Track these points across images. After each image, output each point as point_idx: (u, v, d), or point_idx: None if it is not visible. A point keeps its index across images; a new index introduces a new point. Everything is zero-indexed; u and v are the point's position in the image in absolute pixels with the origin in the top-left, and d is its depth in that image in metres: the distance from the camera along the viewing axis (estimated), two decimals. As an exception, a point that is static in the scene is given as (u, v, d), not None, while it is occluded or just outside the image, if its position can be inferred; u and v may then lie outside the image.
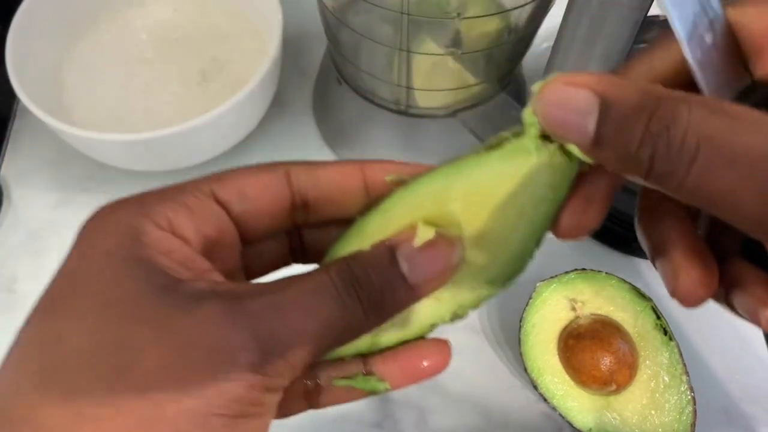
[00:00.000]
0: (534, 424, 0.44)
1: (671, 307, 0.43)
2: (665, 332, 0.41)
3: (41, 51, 0.50)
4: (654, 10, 0.33)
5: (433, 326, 0.23)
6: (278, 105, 0.55)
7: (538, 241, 0.21)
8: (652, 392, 0.41)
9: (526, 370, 0.42)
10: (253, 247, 0.23)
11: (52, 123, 0.44)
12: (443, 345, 0.23)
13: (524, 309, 0.43)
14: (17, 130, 0.55)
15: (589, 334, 0.42)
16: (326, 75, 0.52)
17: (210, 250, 0.21)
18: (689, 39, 0.18)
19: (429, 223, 0.21)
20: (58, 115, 0.44)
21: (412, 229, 0.21)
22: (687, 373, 0.40)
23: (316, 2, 0.44)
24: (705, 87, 0.18)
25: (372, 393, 0.23)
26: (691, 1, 0.17)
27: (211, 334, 0.17)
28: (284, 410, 0.23)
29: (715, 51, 0.18)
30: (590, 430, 0.40)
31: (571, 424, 0.41)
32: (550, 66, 0.34)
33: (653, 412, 0.40)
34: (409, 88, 0.44)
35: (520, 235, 0.21)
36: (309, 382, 0.23)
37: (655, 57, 0.20)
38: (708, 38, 0.18)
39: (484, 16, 0.40)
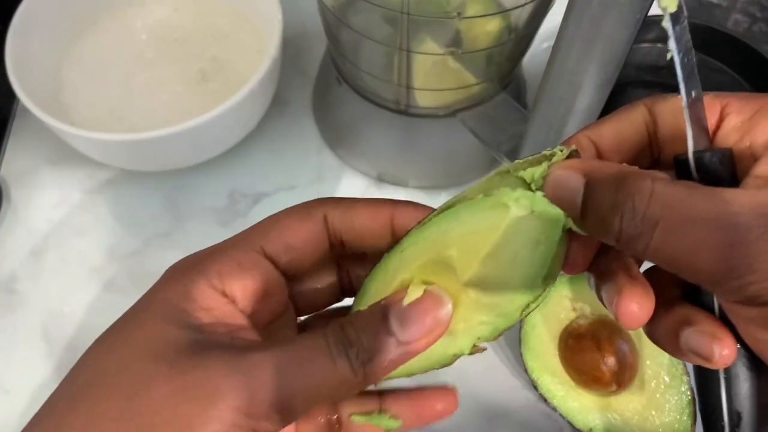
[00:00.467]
0: (534, 424, 0.44)
1: (672, 307, 0.43)
2: (666, 332, 0.41)
3: (41, 51, 0.50)
4: (654, 10, 0.33)
5: (455, 356, 0.24)
6: (278, 105, 0.55)
7: (545, 278, 0.22)
8: (652, 393, 0.41)
9: (526, 370, 0.42)
10: (305, 287, 0.27)
11: (52, 123, 0.44)
12: (450, 393, 0.26)
13: (524, 309, 0.43)
14: (17, 130, 0.55)
15: (589, 334, 0.42)
16: (326, 75, 0.52)
17: (257, 301, 0.24)
18: (686, 83, 0.21)
19: (433, 267, 0.23)
20: (58, 115, 0.44)
21: (405, 289, 0.23)
22: (687, 374, 0.40)
23: (316, 2, 0.44)
24: (689, 125, 0.22)
25: (386, 429, 0.26)
26: (687, 59, 0.21)
27: (209, 377, 0.21)
28: None
29: (694, 107, 0.22)
30: (591, 430, 0.40)
31: (571, 425, 0.41)
32: (550, 66, 0.34)
33: (654, 412, 0.40)
34: (409, 87, 0.44)
35: (521, 274, 0.22)
36: (333, 418, 0.26)
37: (622, 119, 0.24)
38: (693, 93, 0.22)
39: (484, 15, 0.40)
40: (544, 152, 0.23)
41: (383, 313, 0.22)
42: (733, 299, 0.20)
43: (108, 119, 0.51)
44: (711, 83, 0.53)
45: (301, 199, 0.57)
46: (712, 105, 0.23)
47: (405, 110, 0.47)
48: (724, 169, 0.22)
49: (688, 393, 0.40)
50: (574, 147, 0.23)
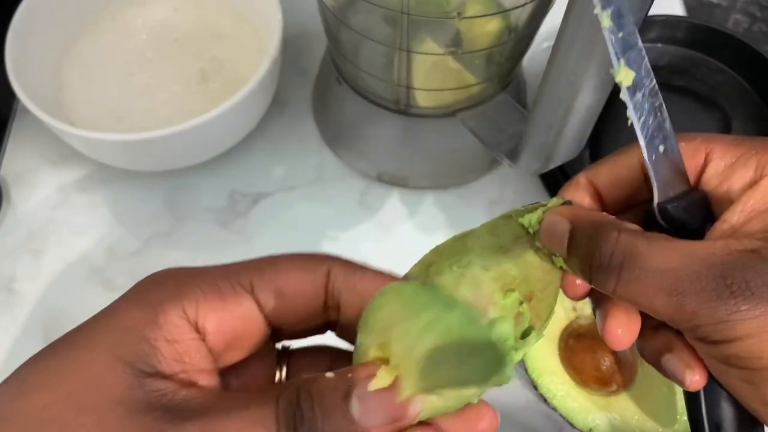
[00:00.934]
0: (534, 424, 0.44)
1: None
2: (666, 332, 0.41)
3: (41, 51, 0.50)
4: (654, 10, 0.33)
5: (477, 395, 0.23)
6: (278, 105, 0.55)
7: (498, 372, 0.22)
8: (652, 393, 0.41)
9: (526, 370, 0.42)
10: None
11: (52, 123, 0.44)
12: None
13: (524, 309, 0.43)
14: (17, 130, 0.55)
15: (589, 334, 0.42)
16: (326, 75, 0.52)
17: (230, 340, 0.23)
18: (647, 143, 0.23)
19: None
20: (58, 115, 0.44)
21: (377, 365, 0.21)
22: (687, 374, 0.40)
23: (316, 2, 0.44)
24: (654, 180, 0.24)
25: None
26: (652, 119, 0.23)
27: None
28: None
29: (665, 159, 0.24)
30: (591, 430, 0.40)
31: (571, 425, 0.41)
32: (550, 66, 0.34)
33: (654, 412, 0.40)
34: (409, 87, 0.44)
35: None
36: None
37: (618, 162, 0.27)
38: (660, 148, 0.24)
39: (484, 15, 0.40)
40: (541, 202, 0.26)
41: (346, 390, 0.21)
42: (689, 336, 0.23)
43: (108, 119, 0.51)
44: (711, 83, 0.53)
45: (301, 198, 0.57)
46: (698, 149, 0.25)
47: (405, 110, 0.47)
48: (690, 216, 0.24)
49: (688, 393, 0.40)
50: (567, 198, 0.26)
